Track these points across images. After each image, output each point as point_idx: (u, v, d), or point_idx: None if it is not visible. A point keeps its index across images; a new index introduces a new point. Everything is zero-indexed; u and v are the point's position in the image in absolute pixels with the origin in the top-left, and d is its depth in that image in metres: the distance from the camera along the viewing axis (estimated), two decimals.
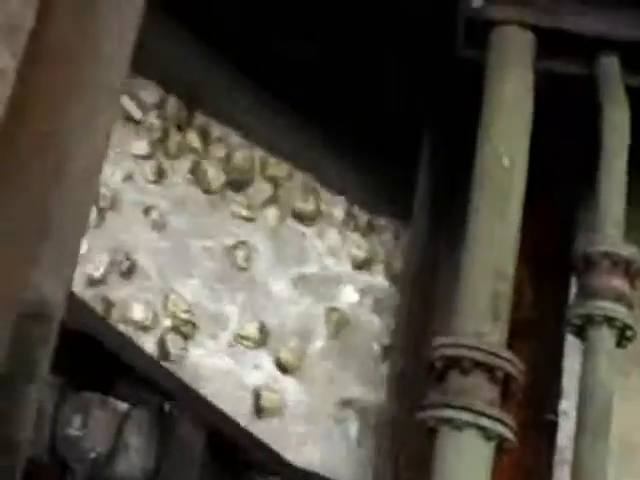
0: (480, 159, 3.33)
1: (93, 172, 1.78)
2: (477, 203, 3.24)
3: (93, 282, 3.79)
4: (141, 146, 4.07)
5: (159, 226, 4.04)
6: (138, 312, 3.88)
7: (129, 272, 3.91)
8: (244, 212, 4.23)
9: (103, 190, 3.89)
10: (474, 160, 3.33)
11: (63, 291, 1.64)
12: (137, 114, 4.04)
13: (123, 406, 2.68)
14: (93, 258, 3.82)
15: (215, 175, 4.20)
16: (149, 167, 4.05)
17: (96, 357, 2.65)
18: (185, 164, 4.15)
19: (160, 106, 4.12)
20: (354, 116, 3.95)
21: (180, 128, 4.15)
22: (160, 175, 4.09)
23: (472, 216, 3.21)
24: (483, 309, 3.06)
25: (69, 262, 1.68)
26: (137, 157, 4.04)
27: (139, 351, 3.10)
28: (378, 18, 3.59)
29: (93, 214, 3.79)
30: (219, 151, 4.24)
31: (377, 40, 3.69)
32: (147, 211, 4.04)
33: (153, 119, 4.11)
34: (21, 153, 1.70)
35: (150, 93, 4.10)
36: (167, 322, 3.95)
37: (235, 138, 4.24)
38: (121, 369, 2.71)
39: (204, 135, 4.20)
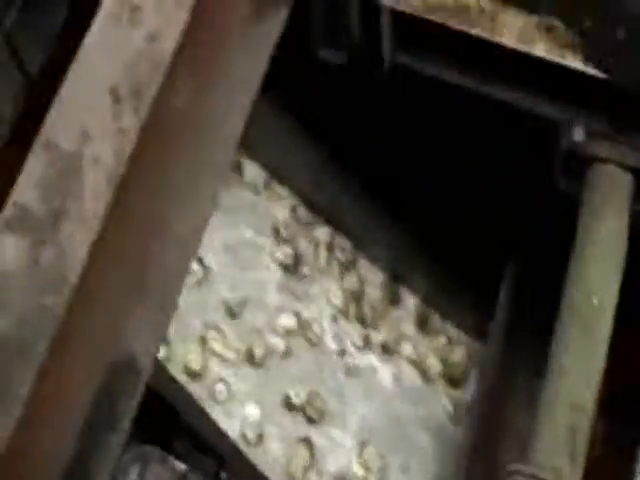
0: (568, 294, 3.32)
1: (194, 236, 1.83)
2: (562, 337, 3.22)
3: (290, 406, 3.82)
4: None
5: (357, 375, 4.05)
6: (331, 459, 3.86)
7: (326, 414, 3.91)
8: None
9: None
10: (560, 291, 3.33)
11: (153, 349, 1.66)
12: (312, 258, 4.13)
13: (181, 466, 2.68)
14: (290, 386, 3.85)
15: (433, 363, 4.23)
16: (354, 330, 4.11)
17: (160, 414, 2.66)
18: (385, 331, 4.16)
19: (330, 248, 4.17)
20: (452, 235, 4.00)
21: (390, 300, 4.22)
22: (365, 340, 4.10)
23: (556, 349, 3.19)
24: (561, 443, 3.01)
25: (162, 321, 1.71)
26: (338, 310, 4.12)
27: (203, 415, 3.10)
28: (483, 143, 3.65)
29: (281, 346, 3.84)
30: (437, 340, 4.30)
31: (476, 162, 3.75)
32: (343, 353, 4.06)
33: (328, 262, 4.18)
34: (126, 209, 1.75)
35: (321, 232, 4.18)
36: (361, 472, 3.93)
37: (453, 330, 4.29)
38: (183, 430, 2.72)
39: (420, 318, 4.25)
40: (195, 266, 3.70)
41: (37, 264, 1.57)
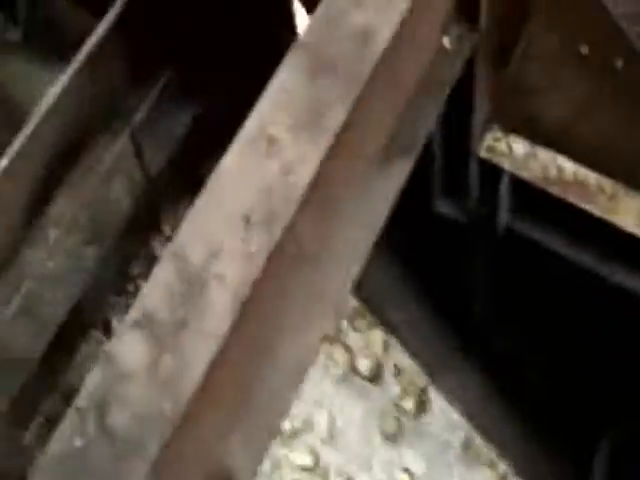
0: None
1: (303, 365, 1.97)
2: None
3: None
4: None
5: None
6: None
7: None
8: None
9: None
10: None
11: (252, 469, 1.78)
12: None
13: None
14: None
15: None
16: None
17: None
18: None
19: None
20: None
21: None
22: None
23: None
24: None
25: (263, 443, 1.84)
26: None
27: None
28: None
29: None
30: None
31: (582, 336, 3.83)
32: None
33: None
34: (245, 329, 1.91)
35: None
36: None
37: None
38: None
39: None
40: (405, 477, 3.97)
41: (157, 368, 1.73)
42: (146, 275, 5.32)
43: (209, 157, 5.44)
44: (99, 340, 5.21)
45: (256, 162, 2.13)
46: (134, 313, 1.82)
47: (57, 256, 5.01)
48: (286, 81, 2.23)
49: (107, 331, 5.33)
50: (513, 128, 3.35)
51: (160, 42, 5.17)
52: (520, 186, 3.30)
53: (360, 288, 4.26)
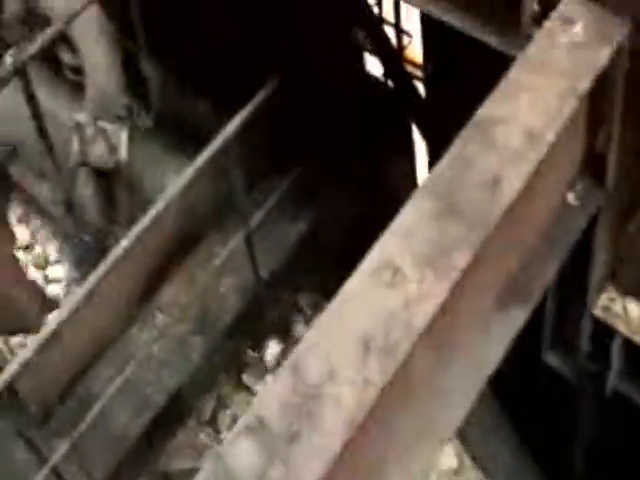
0: None
1: None
2: None
3: None
4: None
5: None
6: None
7: None
8: None
9: None
10: None
11: None
12: None
13: None
14: None
15: None
16: None
17: None
18: None
19: None
20: None
21: None
22: None
23: None
24: None
25: None
26: None
27: None
28: None
29: None
30: None
31: None
32: None
33: None
34: (355, 449, 2.00)
35: None
36: None
37: None
38: None
39: None
40: None
41: (267, 476, 1.83)
42: (249, 373, 5.46)
43: (319, 266, 5.57)
44: (195, 430, 5.32)
45: (380, 291, 2.21)
46: (248, 418, 1.92)
47: (163, 341, 5.19)
48: (413, 219, 2.32)
49: (200, 422, 5.44)
50: (631, 290, 3.36)
51: (283, 148, 5.38)
52: (633, 349, 3.30)
53: (465, 438, 4.31)
